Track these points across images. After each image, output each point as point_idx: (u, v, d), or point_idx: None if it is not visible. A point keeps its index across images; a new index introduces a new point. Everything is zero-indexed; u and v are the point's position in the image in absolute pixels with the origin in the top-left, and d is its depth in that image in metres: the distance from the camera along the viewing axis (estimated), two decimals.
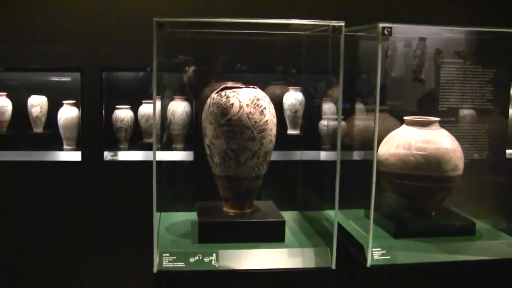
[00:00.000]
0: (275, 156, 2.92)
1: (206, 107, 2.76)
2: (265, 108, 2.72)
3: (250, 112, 2.66)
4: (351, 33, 2.75)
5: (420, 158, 2.80)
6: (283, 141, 3.43)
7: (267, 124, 2.71)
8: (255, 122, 2.67)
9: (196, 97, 3.79)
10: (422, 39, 3.17)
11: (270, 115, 2.74)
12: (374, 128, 2.58)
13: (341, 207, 2.64)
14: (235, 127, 2.65)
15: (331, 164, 2.64)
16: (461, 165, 2.87)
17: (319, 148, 3.57)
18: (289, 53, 3.53)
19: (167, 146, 3.94)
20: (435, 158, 2.80)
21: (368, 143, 2.67)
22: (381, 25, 2.53)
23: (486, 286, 2.81)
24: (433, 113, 3.00)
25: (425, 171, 2.80)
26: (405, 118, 2.98)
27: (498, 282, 2.82)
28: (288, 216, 3.07)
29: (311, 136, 3.80)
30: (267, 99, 2.78)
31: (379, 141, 2.96)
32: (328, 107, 3.54)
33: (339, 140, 2.58)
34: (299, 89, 4.02)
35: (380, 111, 2.70)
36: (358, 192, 2.82)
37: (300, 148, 3.67)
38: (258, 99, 2.72)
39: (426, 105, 3.18)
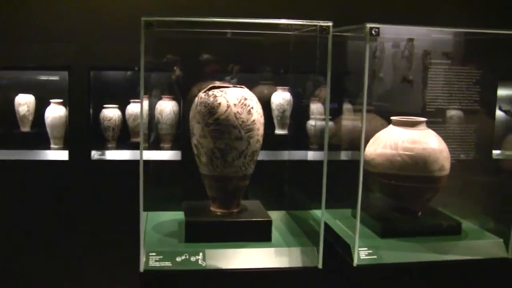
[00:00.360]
0: (262, 155, 2.93)
1: (193, 106, 2.76)
2: (252, 107, 2.72)
3: (237, 111, 2.66)
4: (339, 33, 2.75)
5: (407, 158, 2.81)
6: (271, 141, 3.43)
7: (255, 123, 2.71)
8: (243, 121, 2.67)
9: (184, 97, 3.78)
10: (410, 40, 3.18)
11: (257, 115, 2.74)
12: (361, 128, 2.59)
13: (328, 207, 2.64)
14: (223, 126, 2.65)
15: (318, 164, 2.64)
16: (447, 165, 2.88)
17: (306, 148, 3.58)
18: (277, 53, 3.53)
19: (155, 145, 3.93)
20: (422, 158, 2.81)
21: (356, 143, 2.68)
22: (368, 25, 2.53)
23: (472, 285, 2.83)
24: (420, 114, 3.01)
25: (411, 171, 2.81)
26: (392, 118, 2.99)
27: (483, 282, 2.84)
28: (275, 215, 3.07)
29: (299, 136, 3.81)
30: (255, 98, 2.79)
31: (366, 141, 2.97)
32: (316, 107, 3.54)
33: (327, 140, 2.59)
34: (287, 89, 4.03)
35: (368, 111, 2.71)
36: (345, 192, 2.82)
37: (288, 148, 3.67)
38: (245, 99, 2.72)
39: (413, 105, 3.19)
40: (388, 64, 3.27)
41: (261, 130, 2.77)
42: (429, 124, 2.98)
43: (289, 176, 3.37)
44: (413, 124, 2.92)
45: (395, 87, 3.30)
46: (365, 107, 2.58)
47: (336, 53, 2.55)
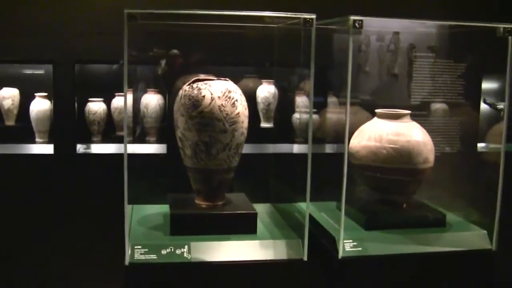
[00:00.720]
0: (248, 149, 2.93)
1: (177, 99, 2.75)
2: (236, 100, 2.72)
3: (221, 104, 2.66)
4: (323, 26, 2.75)
5: (391, 151, 2.82)
6: (256, 134, 3.44)
7: (239, 116, 2.71)
8: (227, 114, 2.66)
9: (169, 90, 3.77)
10: (396, 34, 3.19)
11: (242, 107, 2.74)
12: (345, 121, 2.60)
13: (313, 200, 2.65)
14: (207, 119, 2.64)
15: (303, 156, 2.64)
16: (431, 157, 2.90)
17: (292, 141, 3.58)
18: (262, 46, 3.52)
19: (140, 139, 3.92)
20: (406, 150, 2.82)
21: (340, 136, 2.68)
22: (352, 17, 2.54)
23: (456, 277, 2.85)
24: (405, 107, 3.02)
25: (396, 164, 2.82)
26: (376, 111, 2.99)
27: (467, 273, 2.86)
28: (261, 208, 3.07)
29: (284, 129, 3.81)
30: (239, 91, 2.78)
31: (351, 134, 2.97)
32: (301, 100, 3.55)
33: (311, 133, 2.59)
34: (272, 82, 4.03)
35: (352, 104, 2.72)
36: (331, 184, 2.83)
37: (273, 141, 3.68)
38: (229, 91, 2.71)
39: (399, 98, 3.20)
40: (373, 57, 3.28)
41: (245, 123, 2.77)
42: (414, 117, 2.99)
43: (274, 169, 3.38)
44: (397, 117, 2.93)
45: (380, 81, 3.30)
46: (348, 100, 2.59)
47: (321, 46, 2.55)
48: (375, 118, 2.99)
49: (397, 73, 3.23)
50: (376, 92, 3.31)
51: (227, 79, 2.78)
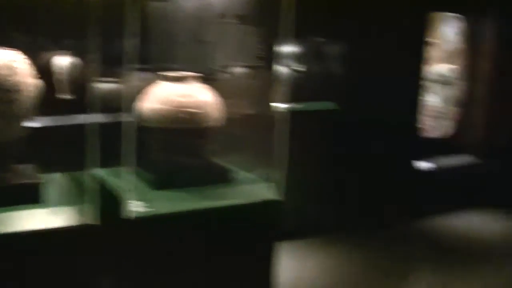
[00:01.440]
0: (46, 121, 2.88)
1: None
2: (19, 69, 2.67)
3: (1, 73, 2.60)
4: None
5: (178, 112, 2.89)
6: (54, 105, 3.38)
7: (21, 85, 2.66)
8: (7, 83, 2.61)
9: None
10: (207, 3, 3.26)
11: (26, 77, 2.69)
12: (127, 88, 2.64)
13: (107, 166, 2.67)
14: None
15: (97, 125, 2.66)
16: (218, 117, 3.01)
17: (90, 111, 3.56)
18: (56, 16, 3.47)
19: None
20: (192, 111, 2.91)
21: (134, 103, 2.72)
22: None
23: (249, 227, 2.98)
24: (209, 71, 3.10)
25: (182, 124, 2.91)
26: (160, 73, 3.04)
27: (258, 223, 3.01)
28: (55, 178, 3.07)
29: (81, 100, 3.77)
30: (26, 61, 2.75)
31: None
32: (98, 70, 3.53)
33: (93, 102, 2.61)
34: (69, 53, 3.96)
35: (146, 71, 2.76)
36: (124, 150, 2.86)
37: (71, 112, 3.63)
38: (13, 61, 2.67)
39: (203, 64, 3.28)
40: (181, 25, 3.33)
41: (29, 92, 2.72)
42: (213, 81, 3.08)
43: (70, 138, 3.35)
44: (182, 79, 3.00)
45: (188, 48, 3.36)
46: (133, 67, 2.66)
47: (113, 15, 2.55)
48: (161, 81, 3.04)
49: (204, 40, 3.30)
50: (180, 59, 3.36)
51: (10, 48, 2.72)
